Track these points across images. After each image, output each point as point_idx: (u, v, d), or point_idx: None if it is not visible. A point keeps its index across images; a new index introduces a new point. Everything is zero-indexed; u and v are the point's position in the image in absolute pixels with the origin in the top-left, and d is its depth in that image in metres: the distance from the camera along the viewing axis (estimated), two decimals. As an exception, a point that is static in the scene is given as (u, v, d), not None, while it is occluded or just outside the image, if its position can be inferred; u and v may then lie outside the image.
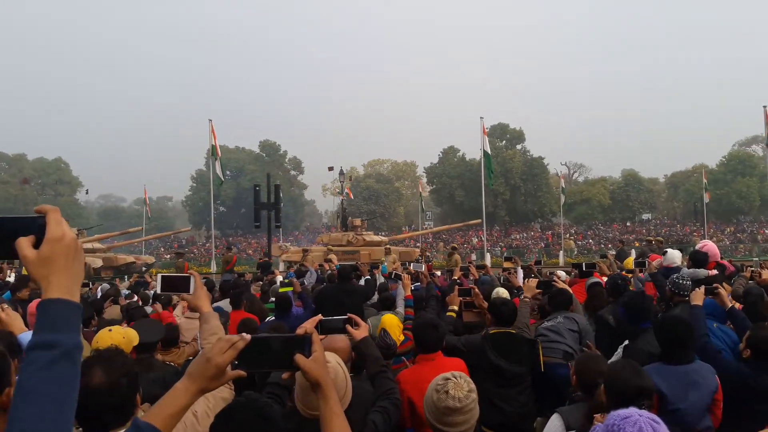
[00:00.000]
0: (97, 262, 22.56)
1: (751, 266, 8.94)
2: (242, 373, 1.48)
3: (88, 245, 24.65)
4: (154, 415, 1.41)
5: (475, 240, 51.08)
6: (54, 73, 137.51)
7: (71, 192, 70.02)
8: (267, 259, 19.04)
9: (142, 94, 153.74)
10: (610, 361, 3.52)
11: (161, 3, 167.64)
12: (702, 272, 6.06)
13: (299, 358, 1.53)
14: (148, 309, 6.91)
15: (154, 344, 3.89)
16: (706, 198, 35.00)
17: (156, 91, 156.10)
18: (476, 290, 5.86)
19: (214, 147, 20.18)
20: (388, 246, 20.03)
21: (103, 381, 1.81)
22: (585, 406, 2.88)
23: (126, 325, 4.77)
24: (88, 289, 11.34)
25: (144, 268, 24.60)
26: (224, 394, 2.28)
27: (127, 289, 12.03)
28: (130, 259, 25.81)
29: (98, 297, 9.36)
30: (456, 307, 5.58)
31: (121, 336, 3.48)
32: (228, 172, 66.39)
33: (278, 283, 9.35)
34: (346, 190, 42.19)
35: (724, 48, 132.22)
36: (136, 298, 8.59)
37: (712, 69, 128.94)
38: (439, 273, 10.71)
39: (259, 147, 71.83)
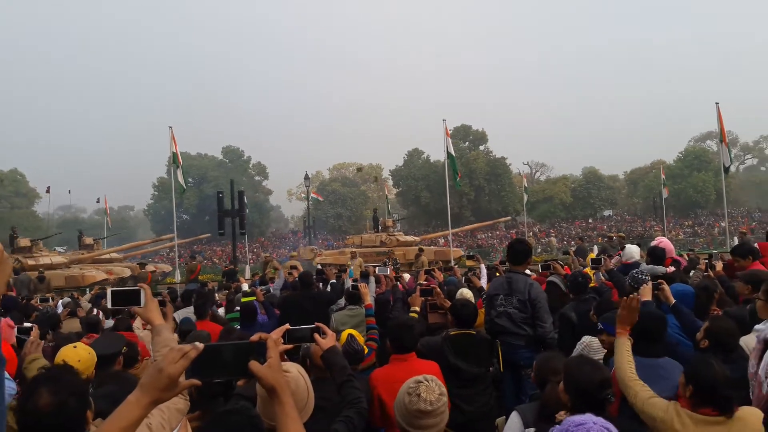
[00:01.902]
0: (125, 272, 22.69)
1: (706, 259, 9.23)
2: (196, 382, 1.47)
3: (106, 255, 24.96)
4: (106, 431, 1.38)
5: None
6: (7, 84, 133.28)
7: (28, 204, 67.83)
8: (232, 266, 18.78)
9: (101, 105, 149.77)
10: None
11: (121, 12, 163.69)
12: (660, 269, 6.21)
13: (253, 364, 1.51)
14: (110, 322, 6.75)
15: (115, 356, 3.78)
16: (665, 193, 35.87)
17: (114, 100, 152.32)
18: (438, 290, 5.89)
19: (175, 154, 19.83)
20: (353, 251, 19.97)
21: (49, 401, 1.76)
22: (539, 403, 2.97)
23: (86, 339, 4.66)
24: (48, 303, 11.04)
25: (161, 278, 24.36)
26: (179, 405, 2.25)
27: (88, 301, 11.76)
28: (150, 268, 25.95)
29: (59, 311, 9.11)
30: (418, 308, 5.60)
31: (87, 352, 3.38)
32: (191, 179, 65.36)
33: (242, 291, 9.24)
34: (313, 194, 42.09)
35: (679, 47, 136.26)
36: (96, 311, 8.39)
37: (667, 67, 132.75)
38: (407, 276, 10.74)
39: (222, 153, 70.98)
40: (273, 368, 1.56)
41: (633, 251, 6.81)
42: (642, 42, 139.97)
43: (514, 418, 2.93)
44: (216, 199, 21.73)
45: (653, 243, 6.56)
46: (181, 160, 20.55)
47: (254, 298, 7.33)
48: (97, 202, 49.79)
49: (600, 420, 1.81)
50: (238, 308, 7.37)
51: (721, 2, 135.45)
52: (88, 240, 27.83)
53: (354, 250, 20.54)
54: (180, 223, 63.09)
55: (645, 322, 3.54)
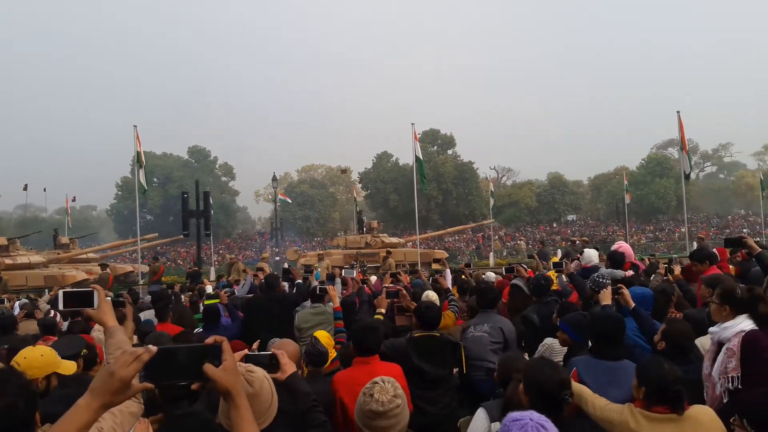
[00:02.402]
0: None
1: (666, 263, 9.45)
2: (149, 385, 1.45)
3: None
4: None
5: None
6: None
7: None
8: (197, 268, 18.49)
9: (64, 101, 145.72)
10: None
11: (83, 11, 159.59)
12: (619, 273, 6.34)
13: (208, 367, 1.49)
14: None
15: (74, 358, 3.67)
16: (627, 199, 36.59)
17: (79, 98, 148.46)
18: (404, 292, 5.91)
19: (139, 153, 19.46)
20: (320, 252, 19.88)
21: None
22: (502, 400, 3.03)
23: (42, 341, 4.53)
24: (3, 304, 10.70)
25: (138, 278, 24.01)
26: (132, 408, 2.20)
27: (47, 303, 11.44)
28: (129, 268, 25.93)
29: (15, 312, 8.84)
30: (384, 310, 5.61)
31: (49, 349, 3.29)
32: (155, 180, 64.35)
33: (205, 294, 9.12)
34: (280, 196, 41.71)
35: (641, 59, 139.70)
36: (53, 313, 8.14)
37: (631, 76, 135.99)
38: (374, 278, 10.74)
39: (188, 153, 69.96)
40: (228, 371, 1.53)
41: (592, 255, 6.94)
42: (604, 49, 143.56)
43: (480, 414, 2.98)
44: (180, 199, 21.39)
45: (613, 247, 6.71)
46: (144, 160, 20.18)
47: (218, 300, 7.24)
48: (74, 201, 48.33)
49: (536, 416, 1.86)
50: (201, 311, 7.26)
51: (681, 13, 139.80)
52: (64, 239, 27.20)
53: (322, 252, 20.44)
54: (144, 223, 61.90)
55: (604, 326, 3.60)
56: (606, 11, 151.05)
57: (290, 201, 55.74)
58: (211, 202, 22.43)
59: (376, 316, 5.49)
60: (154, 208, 63.55)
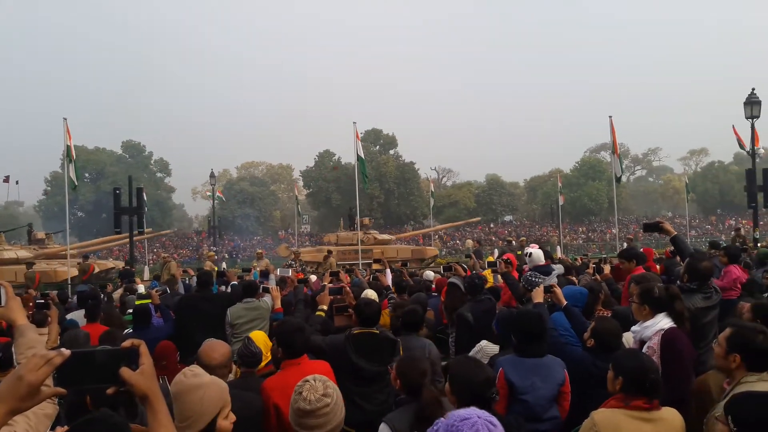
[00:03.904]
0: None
1: (596, 262, 9.83)
2: (61, 390, 1.39)
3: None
4: None
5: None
6: None
7: None
8: (129, 267, 17.83)
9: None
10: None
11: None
12: (555, 271, 6.56)
13: (125, 371, 1.45)
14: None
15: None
16: (561, 200, 37.68)
17: (5, 89, 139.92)
18: (347, 289, 5.91)
19: (69, 147, 18.57)
20: (259, 251, 19.58)
21: None
22: (412, 408, 2.84)
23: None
24: None
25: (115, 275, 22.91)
26: (47, 410, 2.11)
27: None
28: (110, 264, 24.83)
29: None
30: (325, 307, 5.59)
31: None
32: (87, 175, 61.74)
33: (137, 294, 8.81)
34: (218, 193, 40.80)
35: (575, 67, 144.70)
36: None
37: (567, 83, 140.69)
38: (314, 278, 10.68)
39: (122, 148, 67.56)
40: (146, 375, 1.50)
41: (540, 256, 7.03)
42: (542, 55, 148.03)
43: (383, 429, 2.78)
44: (113, 195, 20.60)
45: (527, 250, 6.88)
46: (74, 155, 19.29)
47: (149, 301, 7.01)
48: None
49: (484, 413, 1.83)
50: (130, 311, 7.00)
51: (615, 20, 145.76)
52: (40, 234, 25.69)
53: (261, 251, 20.08)
54: (75, 220, 59.29)
55: (524, 324, 3.68)
56: (543, 17, 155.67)
57: (225, 199, 54.62)
58: (145, 198, 21.70)
59: (317, 313, 5.47)
60: (86, 204, 61.13)
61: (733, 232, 21.87)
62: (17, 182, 58.57)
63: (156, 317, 6.83)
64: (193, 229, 73.05)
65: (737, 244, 13.62)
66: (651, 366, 2.79)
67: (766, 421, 2.12)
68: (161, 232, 43.17)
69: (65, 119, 18.46)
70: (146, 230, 25.59)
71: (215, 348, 3.19)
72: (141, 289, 9.85)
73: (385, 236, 28.38)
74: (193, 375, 2.30)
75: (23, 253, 21.69)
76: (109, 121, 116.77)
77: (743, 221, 51.00)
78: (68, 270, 18.94)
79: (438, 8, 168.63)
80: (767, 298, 5.71)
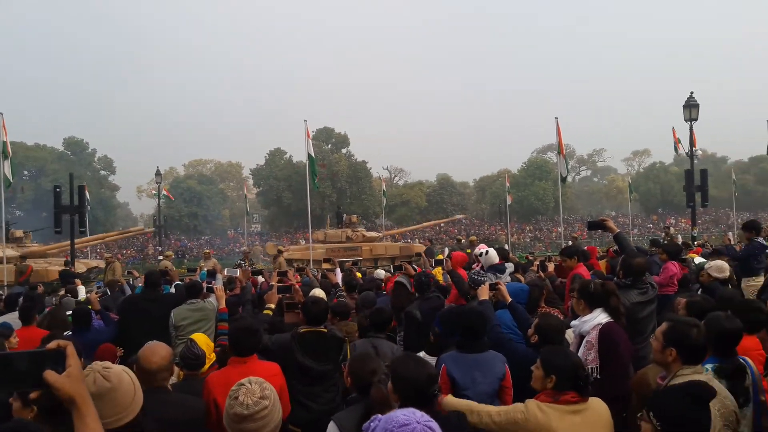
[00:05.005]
0: (80, 267, 20.99)
1: (541, 261, 10.11)
2: None
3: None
4: None
5: (302, 242, 51.14)
6: None
7: None
8: (69, 268, 17.19)
9: None
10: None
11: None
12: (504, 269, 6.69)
13: (49, 374, 1.40)
14: None
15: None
16: (509, 200, 38.36)
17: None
18: (296, 287, 5.88)
19: (5, 143, 17.75)
20: (207, 251, 19.21)
21: None
22: (361, 407, 2.81)
23: None
24: None
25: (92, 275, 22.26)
26: None
27: None
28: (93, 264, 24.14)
29: None
30: (273, 305, 5.53)
31: None
32: (26, 173, 59.21)
33: (77, 297, 8.51)
34: (164, 192, 39.73)
35: (521, 69, 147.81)
36: None
37: (514, 85, 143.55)
38: (260, 278, 10.56)
39: (64, 145, 65.00)
40: (72, 378, 1.45)
41: (494, 256, 7.14)
42: (486, 55, 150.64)
43: (331, 428, 2.75)
44: (53, 193, 19.81)
45: (477, 250, 7.03)
46: (11, 151, 18.48)
47: (89, 306, 6.77)
48: None
49: (423, 417, 1.81)
50: (69, 313, 6.75)
51: (565, 23, 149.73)
52: (18, 233, 24.38)
53: (208, 250, 19.66)
54: (12, 219, 56.54)
55: (465, 320, 3.77)
56: (495, 17, 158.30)
57: (173, 198, 53.28)
58: (87, 196, 20.97)
59: (265, 311, 5.42)
60: (25, 203, 58.54)
61: (662, 232, 22.85)
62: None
63: (96, 319, 6.61)
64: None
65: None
66: (579, 362, 2.93)
67: (686, 414, 2.16)
68: (124, 234, 41.07)
69: (1, 114, 17.66)
70: (110, 233, 24.87)
71: (155, 351, 3.10)
72: (81, 290, 9.53)
73: (373, 233, 28.39)
74: (106, 368, 2.17)
75: (10, 252, 20.90)
76: (51, 116, 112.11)
77: (683, 220, 53.38)
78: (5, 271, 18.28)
79: (394, 6, 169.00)
80: (701, 293, 5.98)
